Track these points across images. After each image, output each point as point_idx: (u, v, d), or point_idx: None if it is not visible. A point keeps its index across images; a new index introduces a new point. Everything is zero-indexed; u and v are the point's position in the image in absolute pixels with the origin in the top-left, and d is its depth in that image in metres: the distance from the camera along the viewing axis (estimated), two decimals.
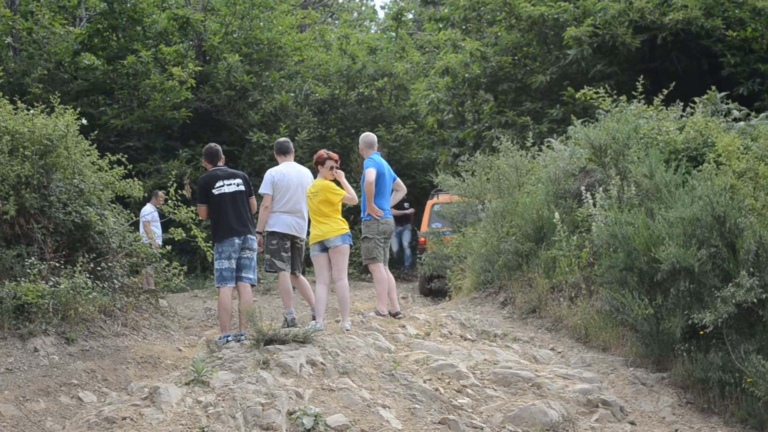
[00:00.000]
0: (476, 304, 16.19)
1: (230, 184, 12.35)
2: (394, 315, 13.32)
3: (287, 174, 12.87)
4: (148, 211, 19.73)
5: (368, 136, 13.74)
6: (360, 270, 26.33)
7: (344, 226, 12.45)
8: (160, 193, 20.08)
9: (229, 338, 11.79)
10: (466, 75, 28.44)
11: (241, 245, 12.25)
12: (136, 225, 17.70)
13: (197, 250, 18.53)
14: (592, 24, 24.99)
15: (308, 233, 12.90)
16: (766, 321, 10.53)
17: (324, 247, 12.38)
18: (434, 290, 21.94)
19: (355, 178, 26.12)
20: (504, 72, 28.10)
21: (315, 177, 12.87)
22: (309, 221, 12.85)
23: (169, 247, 17.42)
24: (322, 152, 12.76)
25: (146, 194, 18.41)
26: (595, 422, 10.17)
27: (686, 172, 13.21)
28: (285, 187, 12.76)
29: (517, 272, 15.71)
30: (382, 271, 13.22)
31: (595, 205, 13.67)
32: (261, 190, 12.83)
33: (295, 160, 13.49)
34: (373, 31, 49.34)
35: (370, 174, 12.99)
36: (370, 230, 13.22)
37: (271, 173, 12.94)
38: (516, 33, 28.09)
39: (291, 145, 13.51)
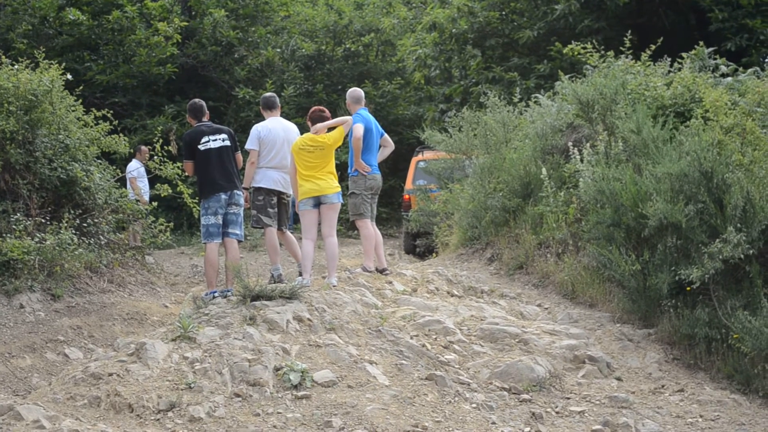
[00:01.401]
0: (463, 261, 16.19)
1: (216, 140, 12.30)
2: (381, 271, 13.31)
3: (273, 129, 12.80)
4: (134, 167, 19.67)
5: (355, 92, 13.66)
6: (347, 227, 26.35)
7: (338, 184, 12.43)
8: (144, 148, 20.01)
9: (216, 294, 11.77)
10: (454, 30, 28.42)
11: (228, 201, 12.23)
12: (122, 181, 17.63)
13: (183, 206, 18.50)
14: None
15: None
16: (752, 277, 10.53)
17: (316, 203, 12.31)
18: (420, 249, 21.88)
19: None
20: (491, 27, 28.08)
21: (302, 133, 12.82)
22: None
23: (155, 204, 17.39)
24: (320, 109, 12.69)
25: (132, 150, 18.35)
26: (582, 378, 10.19)
27: (674, 127, 13.17)
28: (271, 142, 12.70)
29: (504, 228, 15.70)
30: (369, 227, 13.20)
31: (582, 160, 13.63)
32: (247, 146, 12.76)
33: (281, 116, 13.42)
34: None
35: (357, 129, 12.92)
36: (357, 186, 13.17)
37: (257, 129, 12.87)
38: None
39: (277, 100, 13.41)
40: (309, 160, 12.18)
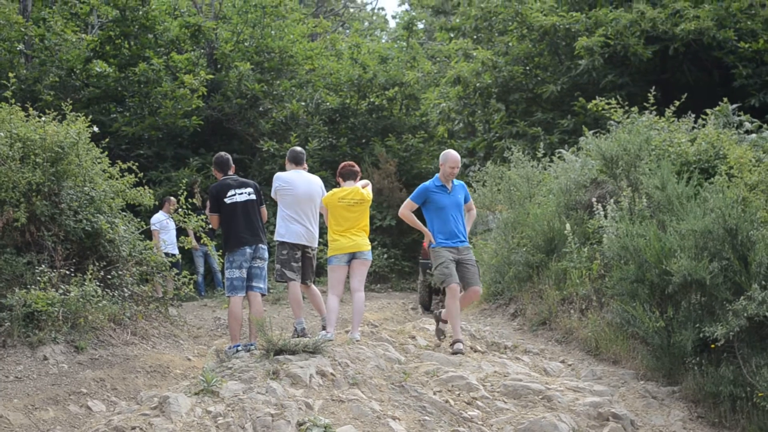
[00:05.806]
0: (486, 316, 16.17)
1: (242, 194, 12.38)
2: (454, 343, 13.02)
3: (292, 181, 12.78)
4: (159, 219, 19.75)
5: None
6: (369, 281, 26.25)
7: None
8: (172, 198, 20.08)
9: (239, 348, 11.78)
10: (477, 84, 28.56)
11: (252, 254, 12.27)
12: (147, 233, 17.67)
13: (207, 258, 18.48)
14: (604, 34, 25.08)
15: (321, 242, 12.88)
16: None
17: (350, 259, 12.37)
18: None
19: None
20: (515, 82, 28.20)
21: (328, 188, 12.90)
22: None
23: (179, 256, 17.39)
24: (350, 164, 12.75)
25: (156, 202, 18.37)
26: None
27: (698, 184, 13.16)
28: (292, 195, 12.70)
29: (527, 284, 15.69)
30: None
31: (606, 216, 13.63)
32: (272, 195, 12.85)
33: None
34: (384, 41, 49.35)
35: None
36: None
37: (277, 179, 12.86)
38: (527, 43, 28.21)
39: (304, 156, 13.33)
40: (347, 216, 12.25)
